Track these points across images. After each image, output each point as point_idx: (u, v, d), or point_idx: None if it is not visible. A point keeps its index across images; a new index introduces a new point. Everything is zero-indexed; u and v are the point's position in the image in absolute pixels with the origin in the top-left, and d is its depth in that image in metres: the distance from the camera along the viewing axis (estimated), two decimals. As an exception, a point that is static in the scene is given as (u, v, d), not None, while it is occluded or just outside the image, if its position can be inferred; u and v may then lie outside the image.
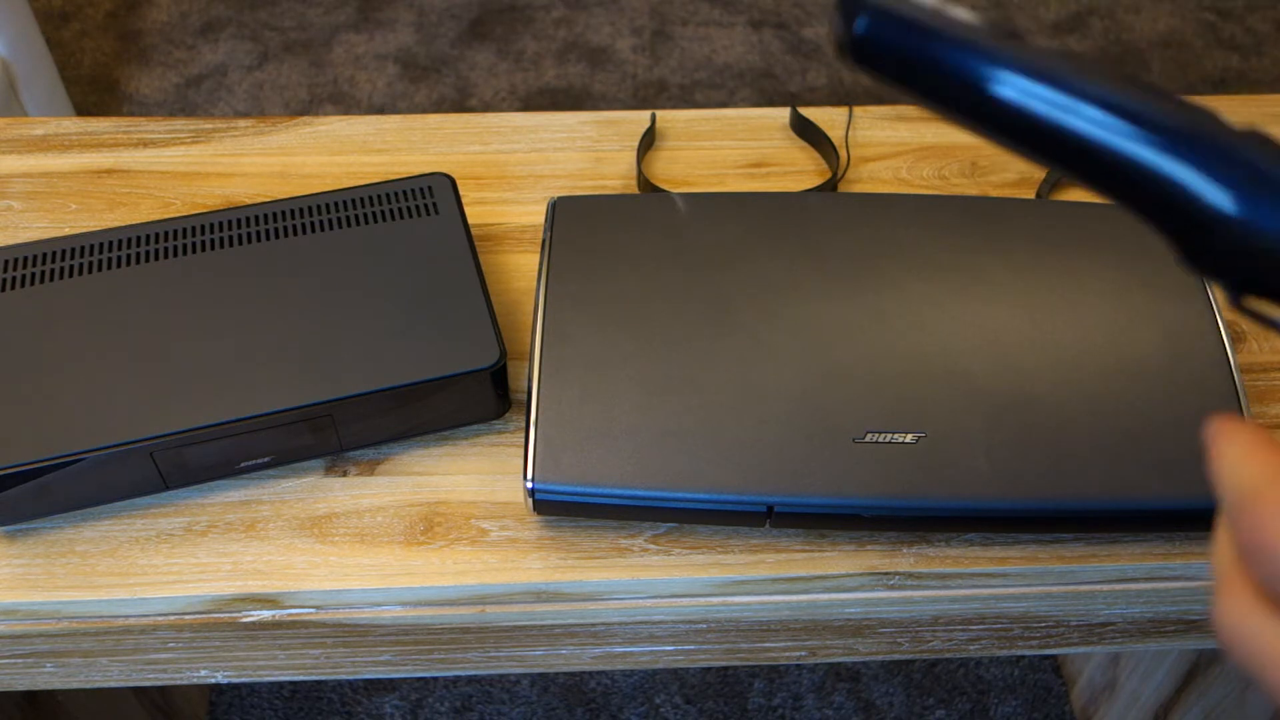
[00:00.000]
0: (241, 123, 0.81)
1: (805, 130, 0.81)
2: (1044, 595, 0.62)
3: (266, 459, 0.61)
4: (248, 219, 0.67)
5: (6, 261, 0.65)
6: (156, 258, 0.65)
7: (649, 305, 0.63)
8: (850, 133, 0.81)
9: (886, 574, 0.60)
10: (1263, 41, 2.16)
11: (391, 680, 1.33)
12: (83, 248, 0.65)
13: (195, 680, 0.66)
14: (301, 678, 0.67)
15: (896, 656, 0.68)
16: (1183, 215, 0.27)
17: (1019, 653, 0.68)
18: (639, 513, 0.59)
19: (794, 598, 0.61)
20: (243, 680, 0.76)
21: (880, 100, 0.79)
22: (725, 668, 1.35)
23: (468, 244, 0.66)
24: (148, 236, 0.66)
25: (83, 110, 1.97)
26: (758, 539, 0.61)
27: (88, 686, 0.66)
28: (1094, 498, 0.57)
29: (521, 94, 2.03)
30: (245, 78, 2.05)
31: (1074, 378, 0.60)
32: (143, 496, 0.61)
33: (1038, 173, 0.79)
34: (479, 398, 0.62)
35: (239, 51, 2.10)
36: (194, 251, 0.65)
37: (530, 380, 0.60)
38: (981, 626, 0.65)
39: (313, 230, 0.66)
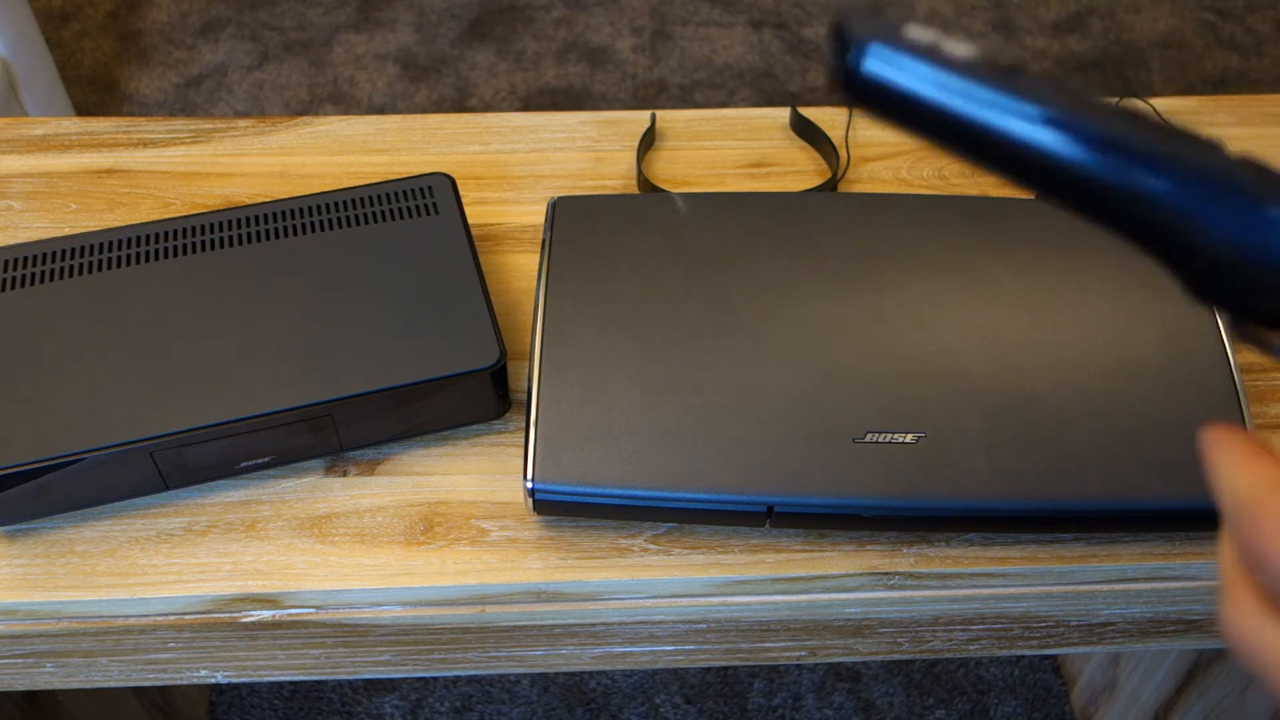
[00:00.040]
0: (241, 123, 0.81)
1: (805, 130, 0.81)
2: (1044, 595, 0.62)
3: (266, 459, 0.61)
4: (248, 219, 0.67)
5: (6, 261, 0.65)
6: (156, 258, 0.65)
7: (649, 305, 0.63)
8: (850, 133, 0.81)
9: (886, 574, 0.60)
10: (1263, 41, 2.16)
11: (391, 680, 1.33)
12: (83, 248, 0.65)
13: (195, 680, 0.66)
14: (301, 678, 0.67)
15: (896, 656, 0.68)
16: (1184, 246, 0.27)
17: (1019, 653, 0.68)
18: (639, 513, 0.59)
19: (794, 598, 0.61)
20: (243, 680, 0.76)
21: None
22: (725, 668, 1.35)
23: (468, 244, 0.66)
24: (148, 236, 0.66)
25: (83, 110, 1.97)
26: (758, 539, 0.61)
27: (88, 686, 0.66)
28: (1094, 498, 0.57)
29: (521, 94, 2.03)
30: (245, 78, 2.05)
31: (1074, 378, 0.60)
32: (143, 496, 0.61)
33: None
34: (479, 398, 0.62)
35: (239, 51, 2.10)
36: (194, 251, 0.65)
37: (530, 380, 0.60)
38: (981, 626, 0.65)
39: (313, 230, 0.66)
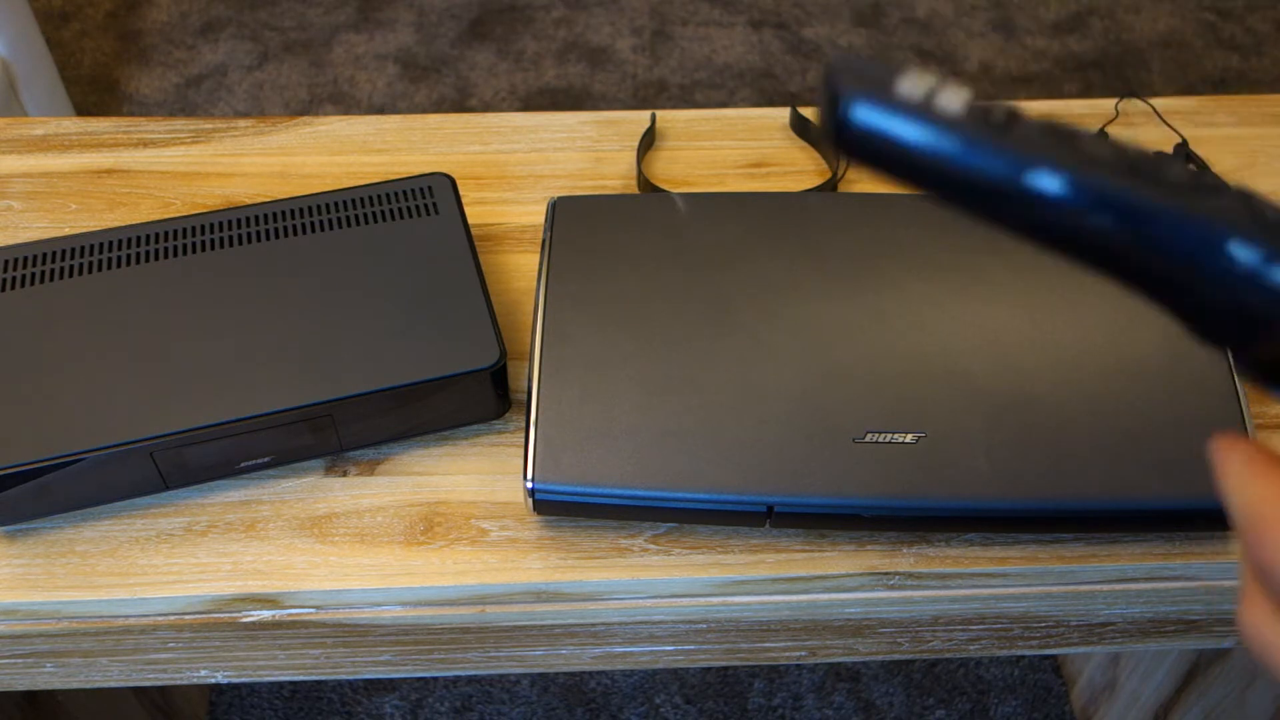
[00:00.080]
0: (241, 123, 0.81)
1: (805, 130, 0.81)
2: (1044, 595, 0.62)
3: (266, 459, 0.61)
4: (248, 219, 0.67)
5: (6, 261, 0.65)
6: (156, 258, 0.65)
7: (649, 305, 0.63)
8: (850, 133, 0.81)
9: (886, 574, 0.60)
10: (1263, 41, 2.16)
11: (391, 680, 1.33)
12: (83, 248, 0.65)
13: (195, 680, 0.66)
14: (301, 678, 0.67)
15: (896, 656, 0.68)
16: (1184, 296, 0.27)
17: (1019, 653, 0.68)
18: (639, 513, 0.59)
19: (794, 598, 0.61)
20: (243, 680, 0.76)
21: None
22: (725, 668, 1.35)
23: (468, 244, 0.66)
24: (148, 236, 0.66)
25: (83, 110, 1.97)
26: (758, 539, 0.61)
27: (88, 686, 0.66)
28: (1094, 498, 0.57)
29: (521, 94, 2.03)
30: (245, 78, 2.05)
31: (1074, 378, 0.60)
32: (143, 496, 0.61)
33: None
34: (479, 398, 0.62)
35: (239, 51, 2.10)
36: (194, 251, 0.65)
37: (530, 380, 0.60)
38: (981, 626, 0.65)
39: (313, 230, 0.66)
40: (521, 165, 0.79)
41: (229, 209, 0.68)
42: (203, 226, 0.66)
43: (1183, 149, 0.77)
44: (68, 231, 0.74)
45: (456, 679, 1.34)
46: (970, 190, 0.28)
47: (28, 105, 1.61)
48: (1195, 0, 2.23)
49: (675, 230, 0.66)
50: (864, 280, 0.64)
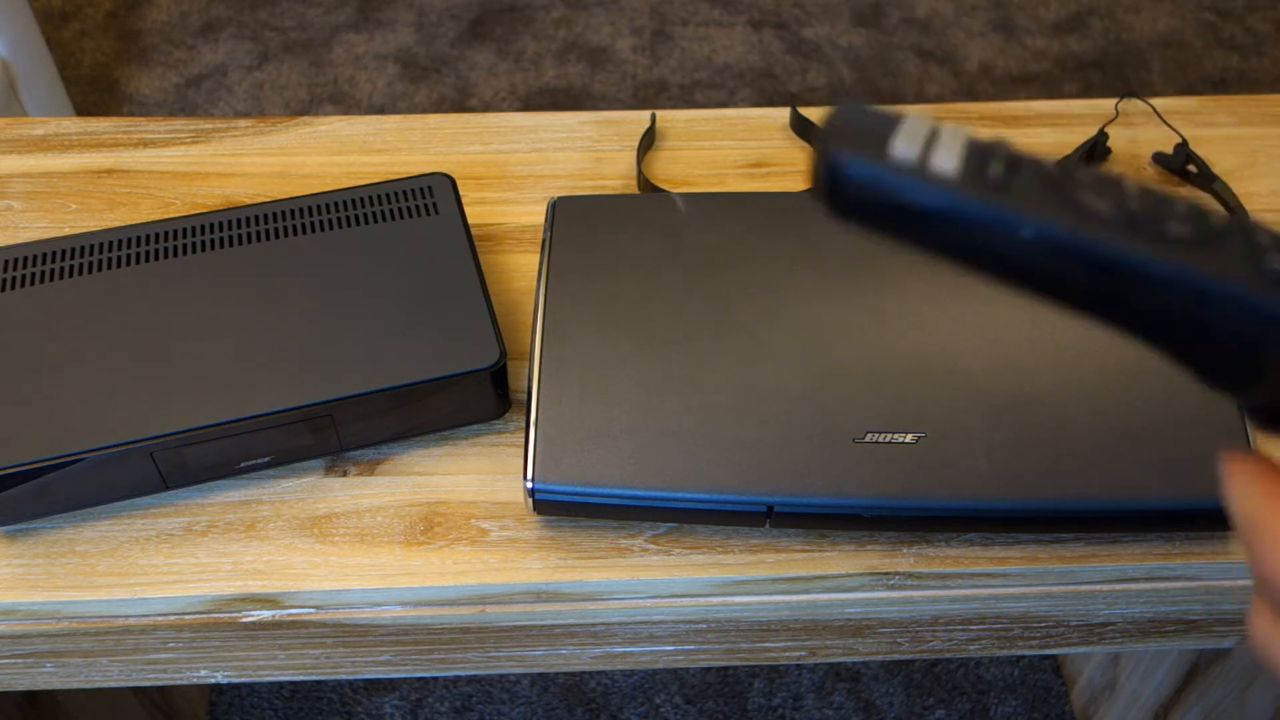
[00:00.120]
0: (241, 123, 0.81)
1: (805, 130, 0.81)
2: (1044, 595, 0.62)
3: (266, 459, 0.61)
4: (248, 219, 0.67)
5: (6, 261, 0.65)
6: (156, 258, 0.65)
7: (649, 305, 0.63)
8: (850, 133, 0.81)
9: (886, 574, 0.60)
10: (1263, 41, 2.16)
11: (391, 680, 1.33)
12: (83, 248, 0.65)
13: (195, 680, 0.66)
14: (301, 678, 0.67)
15: (896, 656, 0.68)
16: (1187, 345, 0.27)
17: (1019, 653, 0.68)
18: (639, 513, 0.59)
19: (794, 598, 0.61)
20: (243, 680, 0.76)
21: (880, 101, 0.79)
22: (725, 668, 1.35)
23: (468, 244, 0.66)
24: (148, 236, 0.66)
25: (83, 110, 1.97)
26: (758, 539, 0.61)
27: (88, 686, 0.66)
28: (1094, 498, 0.57)
29: (521, 94, 2.03)
30: (245, 78, 2.05)
31: (1074, 378, 0.60)
32: (143, 496, 0.61)
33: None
34: (479, 398, 0.62)
35: (239, 51, 2.10)
36: (194, 251, 0.65)
37: (530, 380, 0.60)
38: (981, 626, 0.65)
39: (313, 230, 0.66)
40: (521, 165, 0.79)
41: (229, 209, 0.68)
42: (203, 226, 0.66)
43: (1183, 149, 0.78)
44: (68, 231, 0.74)
45: (456, 679, 1.34)
46: (967, 251, 0.27)
47: (28, 105, 1.61)
48: (1195, 0, 2.23)
49: (675, 230, 0.66)
50: (864, 280, 0.64)
